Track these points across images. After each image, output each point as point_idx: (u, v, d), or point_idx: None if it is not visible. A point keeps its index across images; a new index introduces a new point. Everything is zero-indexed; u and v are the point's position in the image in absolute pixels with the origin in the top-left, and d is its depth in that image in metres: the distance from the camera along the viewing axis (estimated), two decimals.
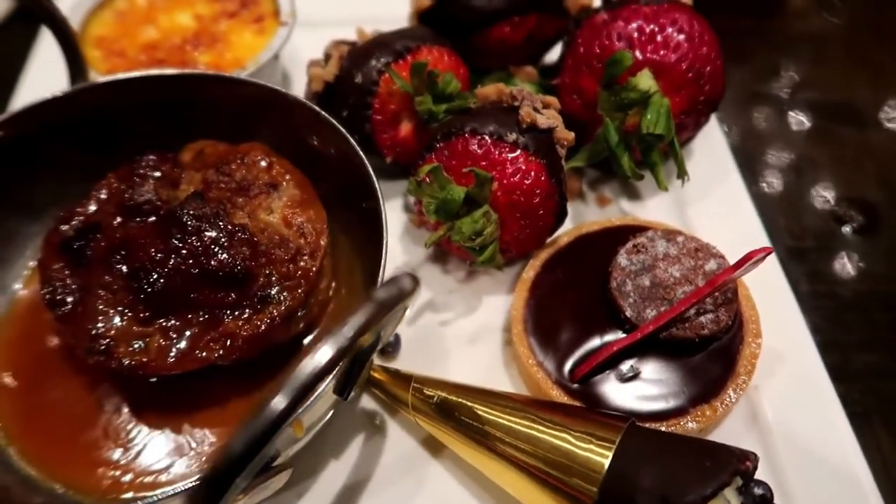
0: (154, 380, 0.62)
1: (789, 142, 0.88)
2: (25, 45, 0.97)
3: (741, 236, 0.73)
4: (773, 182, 0.84)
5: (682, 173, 0.68)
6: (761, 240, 0.74)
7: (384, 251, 0.57)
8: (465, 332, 0.69)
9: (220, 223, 0.60)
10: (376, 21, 0.97)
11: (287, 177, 0.67)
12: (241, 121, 0.73)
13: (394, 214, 0.78)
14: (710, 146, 0.82)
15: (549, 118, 0.64)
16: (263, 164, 0.67)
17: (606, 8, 0.73)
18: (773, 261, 0.71)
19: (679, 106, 0.70)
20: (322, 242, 0.64)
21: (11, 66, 0.94)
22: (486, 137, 0.63)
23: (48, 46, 0.95)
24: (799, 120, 0.91)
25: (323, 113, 0.67)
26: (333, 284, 0.70)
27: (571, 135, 0.66)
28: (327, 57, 0.75)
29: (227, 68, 0.78)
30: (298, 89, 0.88)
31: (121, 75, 0.68)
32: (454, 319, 0.70)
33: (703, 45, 0.70)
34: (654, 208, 0.79)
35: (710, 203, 0.77)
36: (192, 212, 0.60)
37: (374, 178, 0.62)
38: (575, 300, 0.65)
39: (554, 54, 0.84)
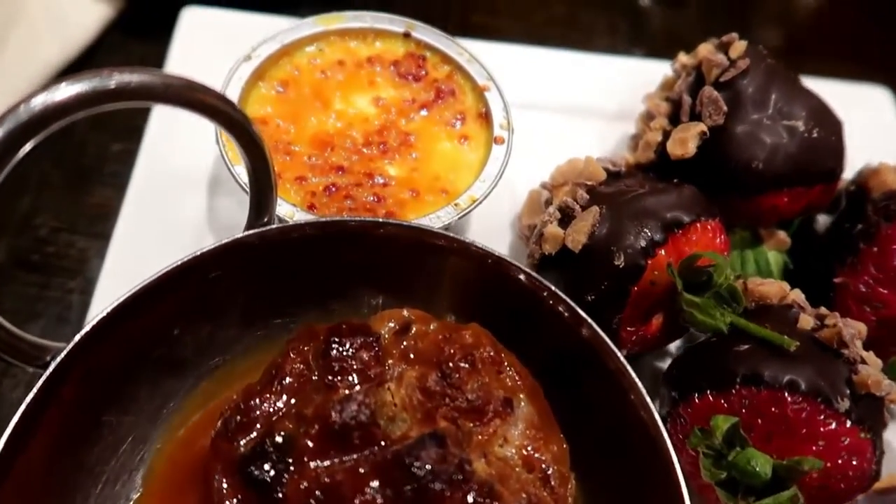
0: None
1: None
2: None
3: None
4: None
5: None
6: None
7: None
8: None
9: (463, 482, 0.45)
10: (561, 109, 0.80)
11: (519, 382, 0.52)
12: (433, 281, 0.57)
13: None
14: None
15: (888, 381, 0.50)
16: (495, 365, 0.52)
17: None
18: None
19: None
20: (568, 496, 0.50)
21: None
22: (810, 400, 0.48)
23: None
24: None
25: (581, 312, 0.51)
26: None
27: None
28: (566, 210, 0.58)
29: (425, 191, 0.61)
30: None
31: (311, 220, 0.52)
32: None
33: None
34: None
35: None
36: (428, 466, 0.44)
37: (649, 401, 0.48)
38: None
39: None
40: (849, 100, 0.85)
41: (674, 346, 0.66)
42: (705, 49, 0.64)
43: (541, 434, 0.50)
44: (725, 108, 0.60)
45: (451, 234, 0.54)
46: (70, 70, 0.79)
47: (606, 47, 0.97)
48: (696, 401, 0.52)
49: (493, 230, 0.72)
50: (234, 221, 0.62)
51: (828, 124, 0.61)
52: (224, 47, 0.74)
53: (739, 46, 0.62)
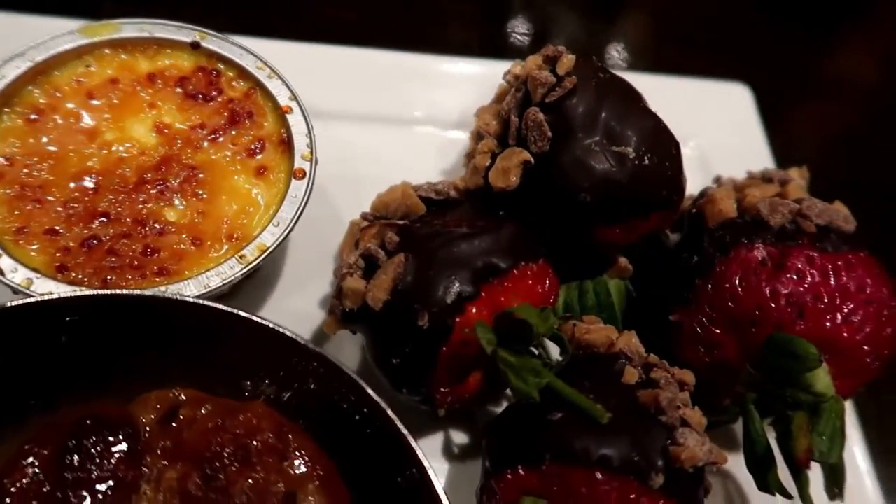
0: None
1: None
2: None
3: None
4: None
5: (835, 494, 0.52)
6: None
7: None
8: None
9: None
10: (397, 119, 0.72)
11: (309, 469, 0.45)
12: (208, 353, 0.49)
13: None
14: None
15: (708, 446, 0.45)
16: (277, 454, 0.45)
17: (764, 241, 0.53)
18: None
19: (840, 392, 0.53)
20: None
21: None
22: (622, 478, 0.43)
23: None
24: None
25: (359, 381, 0.44)
26: None
27: (724, 460, 0.47)
28: (369, 258, 0.51)
29: (211, 238, 0.52)
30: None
31: (39, 298, 0.42)
32: None
33: (891, 324, 0.52)
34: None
35: None
36: None
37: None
38: None
39: None
40: (707, 98, 0.82)
41: None
42: (533, 62, 0.57)
43: None
44: (550, 133, 0.54)
45: (211, 304, 0.45)
46: None
47: (461, 42, 0.90)
48: (508, 475, 0.46)
49: (315, 265, 0.64)
50: None
51: (661, 148, 0.55)
52: None
53: (567, 61, 0.55)
